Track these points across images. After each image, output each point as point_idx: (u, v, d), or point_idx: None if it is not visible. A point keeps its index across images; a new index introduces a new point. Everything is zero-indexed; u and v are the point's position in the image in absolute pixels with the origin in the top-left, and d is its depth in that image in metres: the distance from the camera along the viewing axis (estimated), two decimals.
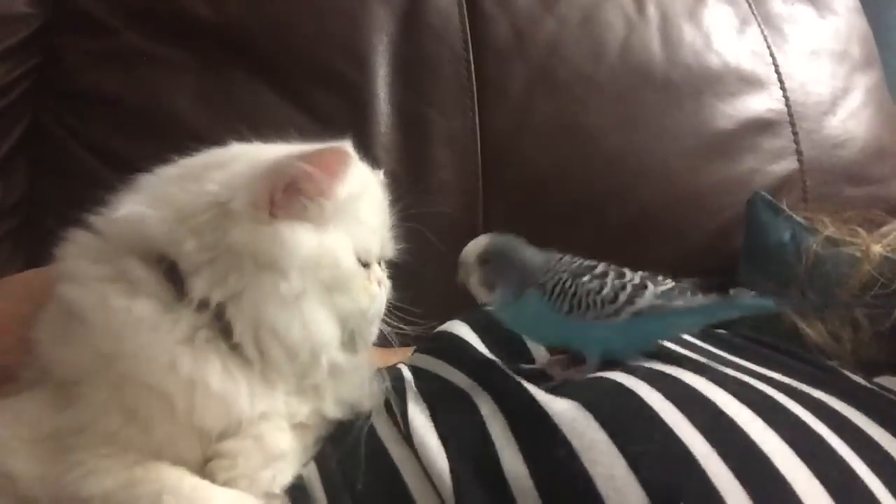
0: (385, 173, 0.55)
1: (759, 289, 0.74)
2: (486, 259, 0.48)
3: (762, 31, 0.91)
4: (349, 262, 0.46)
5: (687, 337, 0.53)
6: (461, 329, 0.59)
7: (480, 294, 0.49)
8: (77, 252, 0.44)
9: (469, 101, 0.81)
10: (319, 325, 0.43)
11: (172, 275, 0.42)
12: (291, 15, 0.78)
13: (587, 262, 0.48)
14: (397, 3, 0.81)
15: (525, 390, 0.44)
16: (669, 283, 0.48)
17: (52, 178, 0.76)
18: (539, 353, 0.55)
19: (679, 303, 0.46)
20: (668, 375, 0.43)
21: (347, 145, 0.43)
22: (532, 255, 0.48)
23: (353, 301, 0.46)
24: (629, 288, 0.46)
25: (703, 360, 0.48)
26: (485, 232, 0.79)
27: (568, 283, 0.46)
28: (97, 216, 0.46)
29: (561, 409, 0.41)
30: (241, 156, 0.46)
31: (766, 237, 0.78)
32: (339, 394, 0.46)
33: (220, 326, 0.42)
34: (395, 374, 0.52)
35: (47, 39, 0.78)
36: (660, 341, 0.50)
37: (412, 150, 0.79)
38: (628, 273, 0.48)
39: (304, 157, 0.42)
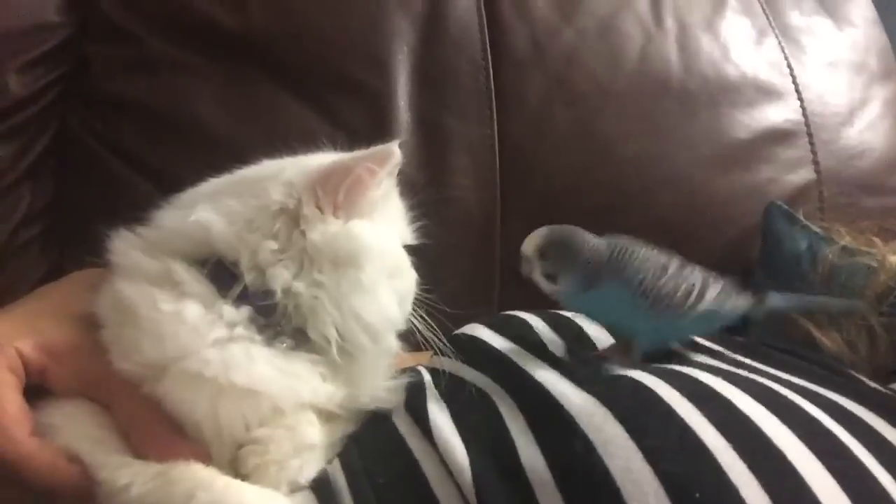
0: (405, 179, 0.56)
1: None
2: (544, 253, 0.50)
3: (780, 43, 0.91)
4: (400, 248, 0.51)
5: (703, 341, 0.54)
6: (481, 331, 0.60)
7: (544, 286, 0.50)
8: (131, 251, 0.47)
9: (488, 109, 0.82)
10: (391, 307, 0.48)
11: (216, 274, 0.45)
12: (314, 24, 0.79)
13: (659, 257, 0.50)
14: (418, 14, 0.83)
15: (542, 386, 0.45)
16: (720, 283, 0.52)
17: (79, 182, 0.77)
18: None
19: (727, 308, 0.51)
20: (685, 374, 0.44)
21: (395, 145, 0.48)
22: (595, 246, 0.49)
23: (406, 282, 0.51)
24: (696, 290, 0.50)
25: (718, 362, 0.49)
26: (502, 238, 0.81)
27: (650, 284, 0.48)
28: (147, 221, 0.49)
29: (578, 404, 0.42)
30: (287, 166, 0.49)
31: (783, 246, 0.79)
32: (371, 385, 0.49)
33: (262, 322, 0.45)
34: (413, 374, 0.53)
35: (76, 48, 0.79)
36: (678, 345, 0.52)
37: (431, 157, 0.80)
38: (689, 271, 0.50)
39: (365, 158, 0.47)
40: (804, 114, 0.89)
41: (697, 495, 0.36)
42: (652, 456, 0.38)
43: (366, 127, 0.78)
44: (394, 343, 0.50)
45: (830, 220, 0.80)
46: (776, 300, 0.55)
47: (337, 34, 0.80)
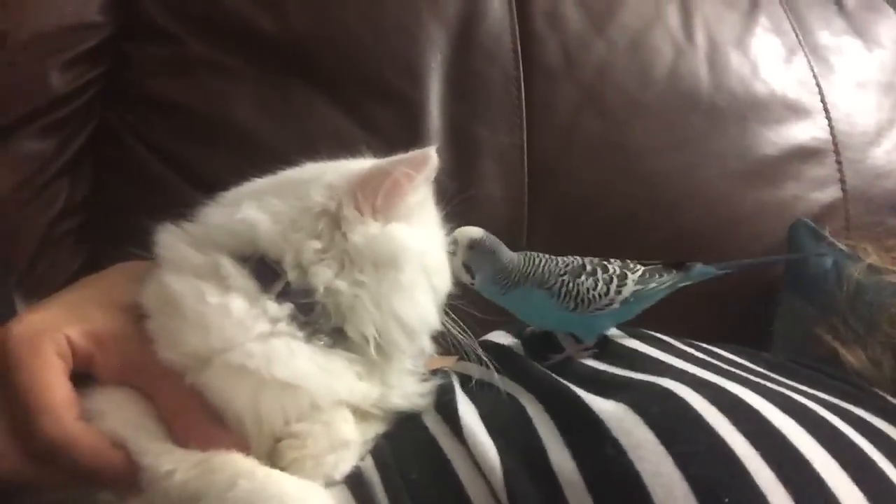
0: (435, 186, 0.57)
1: (801, 314, 0.76)
2: (473, 246, 0.55)
3: (809, 62, 0.92)
4: (438, 251, 0.52)
5: (729, 354, 0.54)
6: (504, 338, 0.61)
7: (459, 273, 0.55)
8: (179, 245, 0.48)
9: (518, 119, 0.83)
10: (428, 307, 0.50)
11: (259, 271, 0.46)
12: (351, 31, 0.81)
13: (571, 261, 0.56)
14: (452, 24, 0.84)
15: (571, 391, 0.46)
16: (640, 269, 0.57)
17: (116, 178, 0.79)
18: (567, 343, 0.58)
19: (653, 284, 0.56)
20: (713, 384, 0.45)
21: (433, 150, 0.49)
22: (508, 257, 0.56)
23: (445, 281, 0.52)
24: (615, 280, 0.55)
25: (745, 374, 0.50)
26: (528, 245, 0.82)
27: (570, 286, 0.54)
28: (185, 217, 0.50)
29: (608, 409, 0.43)
30: (328, 170, 0.50)
31: (808, 264, 0.79)
32: (403, 385, 0.50)
33: (302, 319, 0.46)
34: (442, 376, 0.54)
35: (116, 47, 0.81)
36: (704, 357, 0.54)
37: (461, 164, 0.81)
38: (608, 266, 0.56)
39: (403, 163, 0.48)
40: (832, 132, 0.89)
41: (726, 500, 0.36)
42: (682, 461, 0.38)
43: (397, 133, 0.79)
44: (427, 344, 0.51)
45: (856, 238, 0.80)
46: (702, 269, 0.59)
47: (372, 41, 0.81)
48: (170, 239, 0.49)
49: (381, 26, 0.82)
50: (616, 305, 0.55)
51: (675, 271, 0.58)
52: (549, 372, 0.51)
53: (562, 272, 0.55)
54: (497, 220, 0.81)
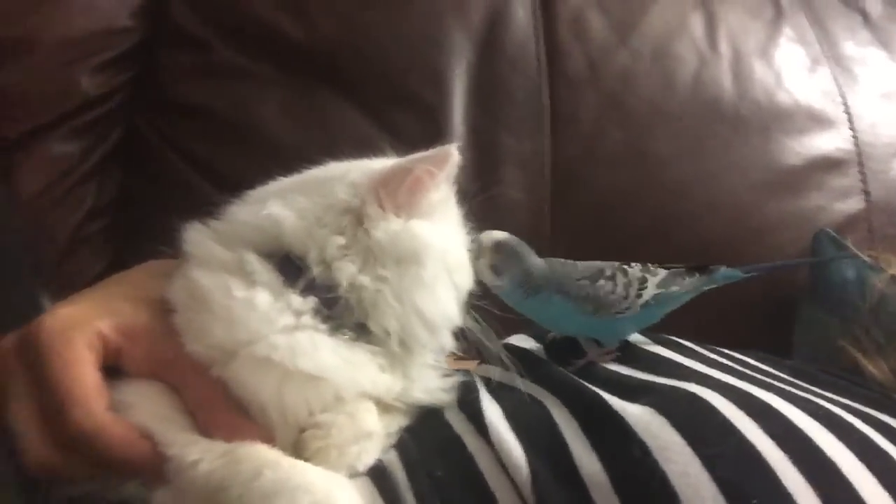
0: (458, 190, 0.57)
1: (822, 325, 0.76)
2: (499, 250, 0.55)
3: (833, 72, 0.92)
4: (460, 248, 0.52)
5: (754, 361, 0.54)
6: (526, 342, 0.61)
7: (485, 275, 0.55)
8: (206, 241, 0.49)
9: (541, 126, 0.84)
10: (449, 303, 0.50)
11: (283, 266, 0.47)
12: (377, 38, 0.82)
13: (592, 266, 0.56)
14: (476, 32, 0.85)
15: (597, 394, 0.46)
16: (662, 272, 0.56)
17: (143, 180, 0.80)
18: (590, 348, 0.58)
19: (675, 288, 0.56)
20: (738, 388, 0.45)
21: (454, 147, 0.49)
22: (534, 261, 0.55)
23: (466, 278, 0.52)
24: (635, 284, 0.55)
25: (770, 379, 0.49)
26: (550, 252, 0.82)
27: (589, 289, 0.54)
28: (211, 217, 0.51)
29: (635, 412, 0.43)
30: (352, 168, 0.51)
31: (831, 274, 0.79)
32: (425, 380, 0.51)
33: (326, 313, 0.46)
34: (464, 374, 0.54)
35: (146, 52, 0.83)
36: (728, 363, 0.54)
37: (484, 170, 0.82)
38: (628, 269, 0.55)
39: (425, 160, 0.48)
40: (856, 143, 0.89)
41: (754, 502, 0.36)
42: (709, 462, 0.38)
43: (420, 138, 0.79)
44: (448, 340, 0.52)
45: (879, 249, 0.80)
46: (726, 272, 0.58)
47: (397, 48, 0.82)
48: (197, 236, 0.50)
49: (406, 33, 0.83)
50: (636, 309, 0.55)
51: (698, 274, 0.58)
52: (573, 375, 0.51)
53: (580, 277, 0.55)
54: (519, 227, 0.80)
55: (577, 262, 0.56)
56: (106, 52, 0.80)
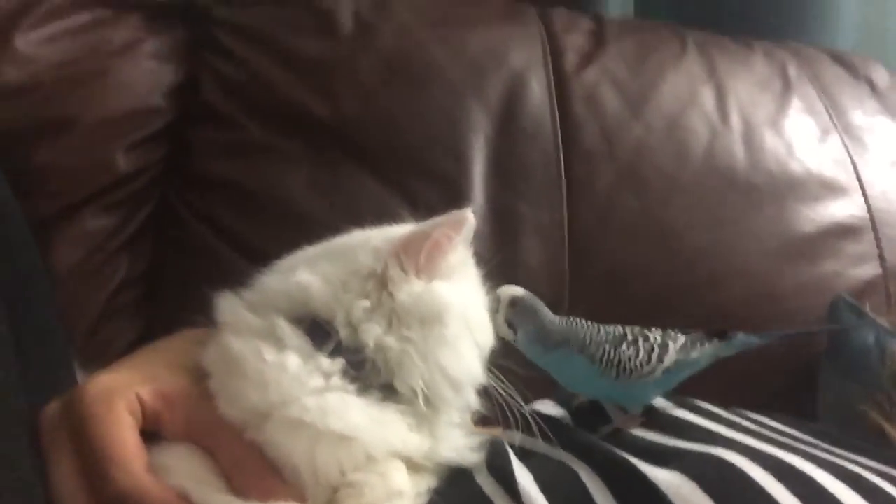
0: (480, 267, 0.59)
1: (844, 391, 0.76)
2: (514, 304, 0.57)
3: (843, 141, 0.94)
4: (480, 307, 0.54)
5: (778, 424, 0.55)
6: (552, 408, 0.61)
7: (501, 329, 0.56)
8: (238, 309, 0.51)
9: (558, 197, 0.86)
10: (472, 360, 0.51)
11: (312, 331, 0.48)
12: (400, 115, 0.85)
13: (613, 329, 0.57)
14: (495, 108, 0.88)
15: (626, 460, 0.46)
16: (682, 338, 0.58)
17: (174, 253, 0.83)
18: (615, 414, 0.59)
19: (695, 354, 0.57)
20: (765, 452, 0.45)
21: (469, 211, 0.52)
22: (553, 318, 0.57)
23: (488, 337, 0.54)
24: (657, 349, 0.56)
25: (795, 443, 0.50)
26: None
27: (612, 354, 0.55)
28: (240, 288, 0.53)
29: (665, 478, 0.44)
30: (374, 236, 0.53)
31: (850, 340, 0.79)
32: (452, 438, 0.52)
33: (354, 374, 0.48)
34: (494, 440, 0.55)
35: (178, 130, 0.86)
36: (753, 426, 0.54)
37: (504, 241, 0.84)
38: (650, 335, 0.57)
39: (442, 224, 0.51)
40: (869, 210, 0.90)
41: None
42: None
43: (442, 210, 0.81)
44: (473, 398, 0.53)
45: None
46: (744, 338, 0.59)
47: (419, 125, 0.85)
48: (229, 305, 0.52)
49: (427, 111, 0.86)
50: (658, 374, 0.56)
51: (716, 340, 0.59)
52: (601, 441, 0.51)
53: (604, 340, 0.56)
54: (539, 295, 0.81)
55: (599, 325, 0.58)
56: (140, 131, 0.83)
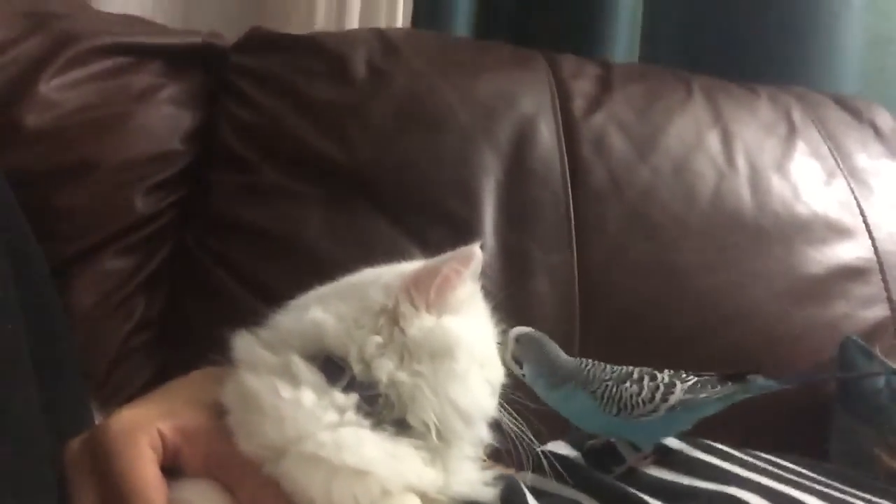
0: (489, 301, 0.60)
1: (856, 433, 0.76)
2: (520, 341, 0.58)
3: (849, 184, 0.95)
4: (489, 341, 0.54)
5: (791, 464, 0.55)
6: (564, 449, 0.62)
7: (510, 365, 0.58)
8: (254, 347, 0.51)
9: (568, 239, 0.87)
10: (483, 395, 0.52)
11: (326, 367, 0.49)
12: (412, 159, 0.87)
13: (621, 369, 0.58)
14: (505, 151, 0.89)
15: (642, 499, 0.47)
16: (693, 379, 0.58)
17: (190, 294, 0.84)
18: (628, 453, 0.59)
19: (703, 395, 0.57)
20: (779, 491, 0.46)
21: (477, 246, 0.52)
22: (561, 356, 0.59)
23: (497, 371, 0.54)
24: (662, 388, 0.56)
25: (808, 482, 0.50)
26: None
27: (614, 390, 0.56)
28: (264, 323, 0.53)
29: None
30: (384, 273, 0.54)
31: (861, 383, 0.80)
32: (465, 472, 0.52)
33: (367, 409, 0.48)
34: (509, 477, 0.55)
35: (196, 173, 0.88)
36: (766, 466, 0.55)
37: (514, 281, 0.85)
38: (658, 374, 0.57)
39: (450, 259, 0.51)
40: (876, 252, 0.91)
41: None
42: None
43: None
44: (484, 431, 0.53)
45: None
46: (763, 382, 0.59)
47: (431, 168, 0.87)
48: (244, 343, 0.52)
49: (439, 154, 0.88)
50: (661, 413, 0.56)
51: (730, 383, 0.59)
52: (615, 481, 0.52)
53: (607, 377, 0.57)
54: (550, 335, 0.82)
55: (607, 365, 0.59)
56: (159, 174, 0.85)
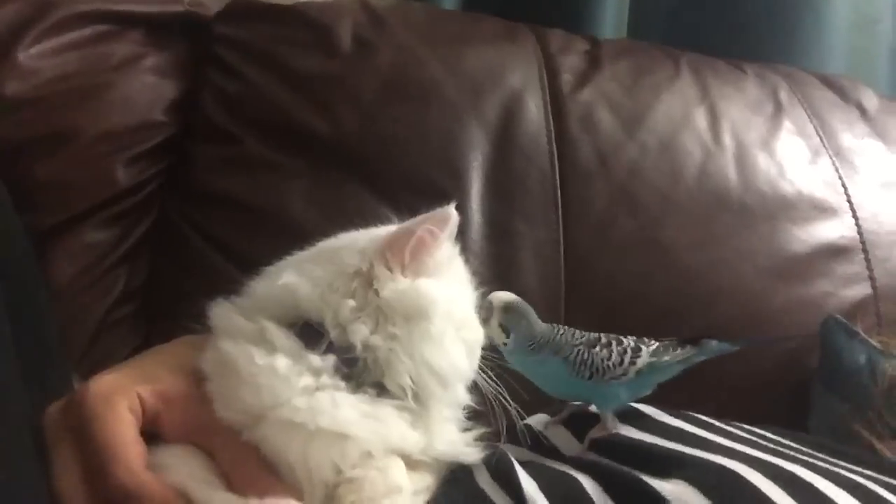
0: (473, 275, 0.60)
1: (836, 410, 0.77)
2: (508, 309, 0.58)
3: (833, 163, 0.96)
4: (466, 303, 0.55)
5: (774, 436, 0.55)
6: (545, 422, 0.62)
7: (495, 334, 0.58)
8: (231, 315, 0.51)
9: (554, 216, 0.87)
10: (459, 357, 0.52)
11: (304, 333, 0.49)
12: (398, 132, 0.86)
13: (588, 334, 0.59)
14: (492, 127, 0.89)
15: (630, 471, 0.47)
16: (655, 343, 0.60)
17: (172, 266, 0.83)
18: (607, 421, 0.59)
19: (667, 357, 0.59)
20: (766, 460, 0.46)
21: (452, 207, 0.53)
22: (539, 323, 0.59)
23: (475, 333, 0.55)
24: (629, 352, 0.58)
25: (794, 453, 0.51)
26: None
27: (586, 355, 0.57)
28: (243, 289, 0.54)
29: (670, 489, 0.44)
30: (360, 237, 0.55)
31: (841, 360, 0.81)
32: (445, 433, 0.52)
33: (346, 372, 0.49)
34: (495, 446, 0.55)
35: (178, 145, 0.87)
36: (751, 437, 0.55)
37: (500, 257, 0.85)
38: (623, 339, 0.59)
39: (425, 221, 0.52)
40: (859, 231, 0.92)
41: None
42: None
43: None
44: (462, 394, 0.54)
45: (888, 335, 0.82)
46: (718, 345, 0.61)
47: (418, 142, 0.86)
48: (221, 310, 0.52)
49: (426, 129, 0.87)
50: (631, 376, 0.58)
51: (689, 346, 0.61)
52: (600, 458, 0.52)
53: (577, 342, 0.58)
54: (536, 311, 0.83)
55: (575, 330, 0.60)
56: (140, 145, 0.84)
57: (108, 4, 0.86)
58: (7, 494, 0.40)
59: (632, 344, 0.59)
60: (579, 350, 0.57)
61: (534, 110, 0.91)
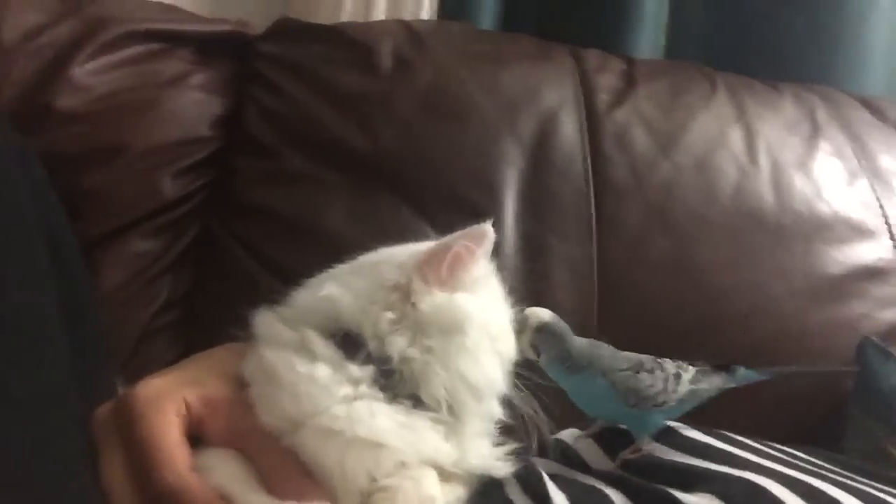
0: (509, 293, 0.61)
1: (871, 432, 0.76)
2: (540, 329, 0.57)
3: (871, 185, 0.95)
4: (502, 318, 0.55)
5: (805, 455, 0.55)
6: (575, 435, 0.63)
7: (526, 350, 0.57)
8: (273, 323, 0.53)
9: (588, 233, 0.88)
10: (493, 370, 0.53)
11: (344, 343, 0.50)
12: (435, 149, 0.88)
13: (630, 356, 0.58)
14: (527, 144, 0.90)
15: (659, 487, 0.48)
16: (692, 370, 0.59)
17: (214, 276, 0.85)
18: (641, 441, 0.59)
19: (704, 385, 0.59)
20: (795, 478, 0.46)
21: (489, 224, 0.53)
22: (576, 342, 0.58)
23: (509, 347, 0.55)
24: (671, 379, 0.57)
25: (822, 471, 0.51)
26: None
27: (632, 381, 0.56)
28: (286, 300, 0.55)
29: (695, 501, 0.45)
30: (399, 251, 0.56)
31: (878, 382, 0.80)
32: (478, 447, 0.53)
33: (383, 382, 0.50)
34: (525, 460, 0.56)
35: (222, 159, 0.89)
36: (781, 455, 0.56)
37: (534, 273, 0.85)
38: (663, 364, 0.58)
39: (462, 237, 0.53)
40: None
41: None
42: None
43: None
44: (496, 407, 0.54)
45: None
46: (746, 373, 0.61)
47: (454, 158, 0.88)
48: (265, 319, 0.54)
49: (463, 146, 0.88)
50: (672, 404, 0.57)
51: (723, 373, 0.60)
52: (625, 474, 0.52)
53: (624, 367, 0.57)
54: (569, 326, 0.84)
55: (618, 351, 0.59)
56: (187, 159, 0.87)
57: (158, 24, 0.90)
58: (61, 491, 0.42)
59: (672, 370, 0.58)
60: (627, 375, 0.57)
61: (569, 128, 0.92)
